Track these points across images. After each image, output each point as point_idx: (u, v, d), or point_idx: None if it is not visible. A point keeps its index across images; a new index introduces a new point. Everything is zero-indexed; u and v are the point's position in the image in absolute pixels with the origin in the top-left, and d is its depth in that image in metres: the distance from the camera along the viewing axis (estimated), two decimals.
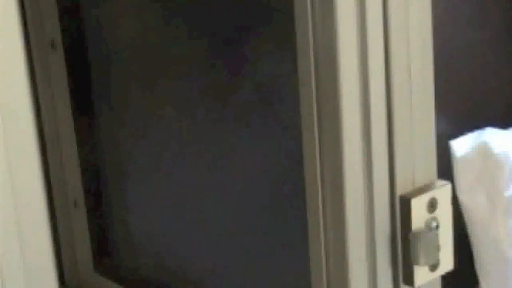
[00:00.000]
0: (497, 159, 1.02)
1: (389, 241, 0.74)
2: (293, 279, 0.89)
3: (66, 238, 1.18)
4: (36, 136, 0.81)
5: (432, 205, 0.74)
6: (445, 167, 0.93)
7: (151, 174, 1.06)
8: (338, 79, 0.70)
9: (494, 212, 1.04)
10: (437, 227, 0.74)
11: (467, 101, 1.06)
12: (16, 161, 0.79)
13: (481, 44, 1.05)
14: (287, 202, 0.86)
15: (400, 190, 0.74)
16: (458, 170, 1.03)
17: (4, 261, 0.79)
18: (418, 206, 0.73)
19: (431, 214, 0.74)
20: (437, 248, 0.74)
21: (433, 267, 0.75)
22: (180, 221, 1.03)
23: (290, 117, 0.79)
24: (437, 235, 0.74)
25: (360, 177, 0.72)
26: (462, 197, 1.04)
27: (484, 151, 1.02)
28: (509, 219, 1.04)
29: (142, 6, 1.00)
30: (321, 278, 0.76)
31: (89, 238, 1.16)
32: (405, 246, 0.74)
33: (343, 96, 0.70)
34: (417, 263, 0.73)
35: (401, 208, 0.73)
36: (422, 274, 0.74)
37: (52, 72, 1.12)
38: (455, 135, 1.03)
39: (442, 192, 0.75)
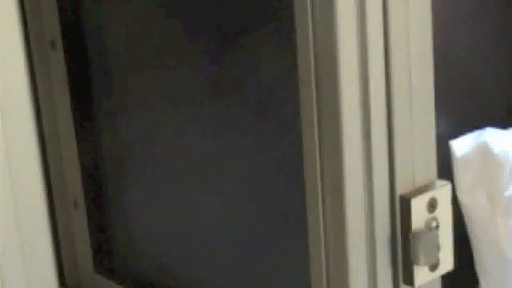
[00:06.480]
0: (497, 159, 1.02)
1: (389, 241, 0.74)
2: (293, 280, 0.89)
3: (66, 238, 1.18)
4: (36, 136, 0.81)
5: (432, 205, 0.74)
6: (445, 167, 0.93)
7: (151, 174, 1.06)
8: (338, 79, 0.70)
9: (494, 212, 1.04)
10: (437, 227, 0.74)
11: (467, 101, 1.06)
12: (16, 161, 0.79)
13: (481, 44, 1.04)
14: (287, 202, 0.86)
15: (400, 190, 0.74)
16: (458, 170, 1.03)
17: (4, 261, 0.79)
18: (418, 206, 0.73)
19: (431, 214, 0.74)
20: (437, 248, 0.74)
21: (433, 267, 0.75)
22: (181, 221, 1.03)
23: (290, 117, 0.79)
24: (437, 235, 0.74)
25: (360, 177, 0.72)
26: (462, 197, 1.04)
27: (484, 151, 1.02)
28: (509, 219, 1.04)
29: (142, 6, 1.00)
30: (321, 278, 0.76)
31: (89, 238, 1.16)
32: (405, 246, 0.74)
33: (343, 96, 0.70)
34: (417, 263, 0.73)
35: (401, 208, 0.73)
36: (422, 274, 0.74)
37: (52, 72, 1.12)
38: (455, 135, 1.03)
39: (442, 192, 0.75)
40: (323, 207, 0.74)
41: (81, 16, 1.08)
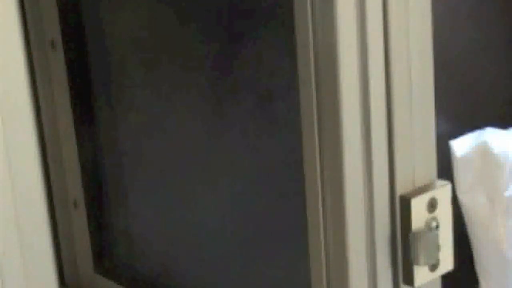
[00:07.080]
0: (497, 159, 1.02)
1: (389, 241, 0.74)
2: (293, 279, 0.89)
3: (66, 238, 1.18)
4: (36, 136, 0.81)
5: (432, 205, 0.74)
6: (445, 167, 0.93)
7: (151, 174, 1.06)
8: (338, 79, 0.70)
9: (494, 212, 1.04)
10: (437, 227, 0.74)
11: (467, 101, 1.06)
12: (16, 161, 0.79)
13: (481, 44, 1.04)
14: (287, 202, 0.86)
15: (400, 190, 0.74)
16: (458, 170, 1.03)
17: (4, 261, 0.80)
18: (418, 206, 0.73)
19: (431, 214, 0.74)
20: (437, 248, 0.74)
21: (433, 267, 0.75)
22: (180, 221, 1.03)
23: (290, 117, 0.79)
24: (437, 235, 0.74)
25: (360, 177, 0.72)
26: (462, 197, 1.04)
27: (484, 151, 1.02)
28: (509, 219, 1.04)
29: (142, 6, 1.00)
30: (321, 278, 0.76)
31: (89, 238, 1.16)
32: (405, 246, 0.74)
33: (343, 96, 0.70)
34: (417, 263, 0.73)
35: (401, 208, 0.73)
36: (422, 274, 0.74)
37: (52, 72, 1.12)
38: (455, 135, 1.03)
39: (442, 192, 0.75)
40: (323, 207, 0.74)
41: (81, 16, 1.08)
